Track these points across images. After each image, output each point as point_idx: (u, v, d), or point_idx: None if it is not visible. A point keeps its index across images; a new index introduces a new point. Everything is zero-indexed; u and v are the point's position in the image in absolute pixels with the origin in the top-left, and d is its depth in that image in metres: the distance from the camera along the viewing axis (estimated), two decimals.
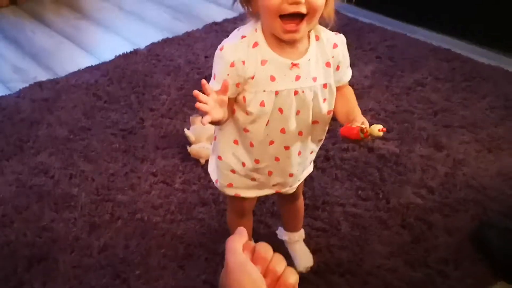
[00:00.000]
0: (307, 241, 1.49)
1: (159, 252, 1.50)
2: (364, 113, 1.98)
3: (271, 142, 1.08)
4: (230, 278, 0.66)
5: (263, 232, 1.53)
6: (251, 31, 1.02)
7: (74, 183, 1.75)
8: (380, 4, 2.75)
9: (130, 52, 2.49)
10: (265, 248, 0.70)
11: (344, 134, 0.98)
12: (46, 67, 2.46)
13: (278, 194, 1.26)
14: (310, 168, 1.26)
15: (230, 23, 2.62)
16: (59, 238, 1.55)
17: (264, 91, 1.02)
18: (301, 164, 1.17)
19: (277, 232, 1.51)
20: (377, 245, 1.49)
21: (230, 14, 2.70)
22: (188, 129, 1.84)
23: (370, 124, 0.96)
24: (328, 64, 1.05)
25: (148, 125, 1.99)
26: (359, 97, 2.04)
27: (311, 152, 1.18)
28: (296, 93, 1.02)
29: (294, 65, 1.01)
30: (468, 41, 2.46)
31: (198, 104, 0.92)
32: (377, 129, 0.93)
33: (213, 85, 1.01)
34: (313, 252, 1.47)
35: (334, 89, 1.08)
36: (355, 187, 1.69)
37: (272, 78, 1.01)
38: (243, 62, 1.00)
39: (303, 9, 0.93)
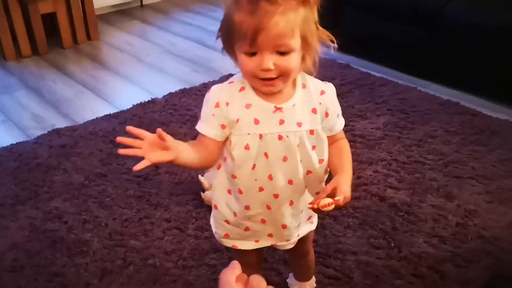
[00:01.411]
0: None
1: None
2: (375, 163, 2.01)
3: (261, 189, 1.08)
4: None
5: (274, 280, 1.53)
6: (239, 77, 1.06)
7: (87, 228, 1.77)
8: (392, 59, 2.82)
9: (148, 102, 2.56)
10: (258, 280, 0.72)
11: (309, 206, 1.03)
12: (65, 115, 2.53)
13: (288, 251, 1.27)
14: (311, 226, 1.26)
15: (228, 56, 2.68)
16: (70, 283, 1.56)
17: (248, 134, 1.04)
18: (295, 216, 1.16)
19: (288, 280, 1.51)
20: None
21: None
22: (203, 175, 1.87)
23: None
24: (314, 111, 1.07)
25: (163, 172, 2.02)
26: (371, 147, 2.11)
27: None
28: (280, 137, 1.04)
29: (277, 109, 1.04)
30: (478, 95, 2.50)
31: (121, 150, 0.92)
32: (322, 203, 0.98)
33: (199, 125, 1.06)
34: None
35: (324, 137, 1.09)
36: (367, 236, 1.69)
37: (256, 121, 1.03)
38: (227, 104, 1.04)
39: (273, 75, 0.97)
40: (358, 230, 1.72)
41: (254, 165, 1.06)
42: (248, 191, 1.09)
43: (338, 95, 1.12)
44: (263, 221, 1.14)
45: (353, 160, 1.13)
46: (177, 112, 2.45)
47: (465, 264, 1.58)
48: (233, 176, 1.08)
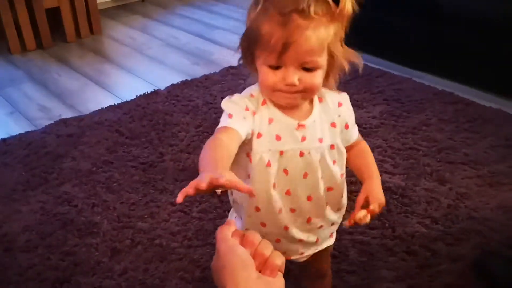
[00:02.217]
0: None
1: (177, 275, 1.58)
2: (372, 150, 2.08)
3: (280, 211, 1.04)
4: (221, 261, 0.73)
5: None
6: (258, 91, 1.01)
7: (96, 211, 1.84)
8: (388, 51, 2.90)
9: (151, 93, 2.63)
10: (253, 234, 0.78)
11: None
12: (71, 106, 2.60)
13: (304, 271, 1.29)
14: (330, 241, 1.21)
15: (246, 67, 2.75)
16: (81, 262, 1.63)
17: (270, 150, 0.99)
18: (312, 231, 1.11)
19: None
20: (384, 271, 1.57)
21: None
22: None
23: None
24: (333, 125, 1.04)
25: (167, 159, 2.10)
26: (367, 135, 2.19)
27: (332, 224, 1.14)
28: (301, 154, 1.00)
29: (300, 126, 1.00)
30: (471, 85, 2.58)
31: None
32: (359, 217, 0.98)
33: (229, 122, 0.96)
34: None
35: (343, 150, 1.07)
36: None
37: (278, 138, 0.99)
38: (254, 113, 0.99)
39: (295, 91, 0.94)
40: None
41: (274, 184, 1.01)
42: (267, 209, 1.04)
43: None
44: (277, 241, 1.09)
45: None
46: (179, 103, 2.52)
47: (456, 243, 1.66)
48: (251, 195, 0.98)
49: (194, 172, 2.00)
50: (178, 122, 2.36)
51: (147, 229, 1.76)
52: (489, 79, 2.53)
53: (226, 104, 1.00)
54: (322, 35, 0.90)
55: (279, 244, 1.10)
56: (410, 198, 1.85)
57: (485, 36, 2.49)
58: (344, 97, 1.08)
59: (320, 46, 0.91)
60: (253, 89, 1.02)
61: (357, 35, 1.08)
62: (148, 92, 2.64)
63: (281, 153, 1.00)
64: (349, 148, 1.10)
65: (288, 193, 1.03)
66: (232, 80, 2.70)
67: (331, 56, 0.95)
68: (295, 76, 0.92)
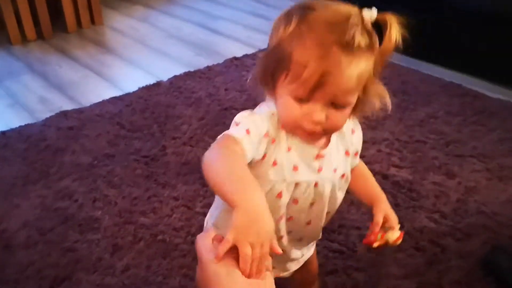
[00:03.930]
0: (324, 263, 1.53)
1: (181, 272, 1.55)
2: (378, 143, 2.05)
3: (281, 238, 0.99)
4: (205, 272, 0.71)
5: None
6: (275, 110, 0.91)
7: (97, 206, 1.81)
8: None
9: (153, 84, 2.59)
10: None
11: (366, 243, 1.00)
12: (71, 98, 2.56)
13: (291, 281, 1.23)
14: (311, 251, 1.19)
15: (249, 58, 2.73)
16: (82, 258, 1.60)
17: (285, 181, 0.91)
18: (302, 249, 1.10)
19: None
20: (392, 267, 1.54)
21: (249, 50, 2.83)
22: None
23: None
24: (347, 153, 0.99)
25: (170, 153, 2.06)
26: (374, 128, 2.14)
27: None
28: (316, 185, 0.94)
29: (319, 156, 0.92)
30: (479, 77, 2.54)
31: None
32: (394, 237, 0.97)
33: (243, 138, 0.84)
34: (330, 273, 1.52)
35: (350, 177, 1.02)
36: (371, 212, 1.73)
37: (295, 168, 0.91)
38: (273, 140, 0.89)
39: (320, 129, 0.85)
40: (362, 207, 1.76)
41: (282, 216, 0.95)
42: None
43: None
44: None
45: None
46: (182, 95, 2.49)
47: (465, 238, 1.63)
48: None
49: (197, 166, 1.97)
50: (181, 114, 2.32)
51: (149, 224, 1.72)
52: (497, 71, 2.49)
53: (246, 118, 0.89)
54: (362, 71, 0.81)
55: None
56: (418, 192, 1.82)
57: (493, 28, 2.45)
58: (356, 124, 1.00)
59: (357, 85, 0.82)
60: (272, 106, 0.91)
61: None
62: (150, 83, 2.60)
63: (296, 184, 0.92)
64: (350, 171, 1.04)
65: (290, 219, 0.97)
66: (236, 71, 2.66)
67: (364, 92, 0.86)
68: (323, 114, 0.83)
